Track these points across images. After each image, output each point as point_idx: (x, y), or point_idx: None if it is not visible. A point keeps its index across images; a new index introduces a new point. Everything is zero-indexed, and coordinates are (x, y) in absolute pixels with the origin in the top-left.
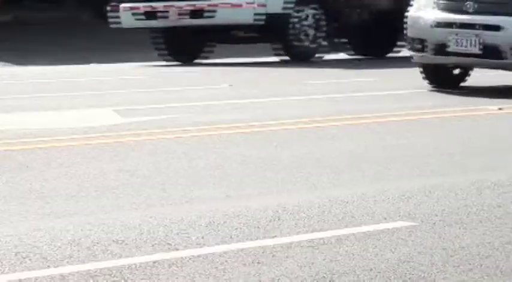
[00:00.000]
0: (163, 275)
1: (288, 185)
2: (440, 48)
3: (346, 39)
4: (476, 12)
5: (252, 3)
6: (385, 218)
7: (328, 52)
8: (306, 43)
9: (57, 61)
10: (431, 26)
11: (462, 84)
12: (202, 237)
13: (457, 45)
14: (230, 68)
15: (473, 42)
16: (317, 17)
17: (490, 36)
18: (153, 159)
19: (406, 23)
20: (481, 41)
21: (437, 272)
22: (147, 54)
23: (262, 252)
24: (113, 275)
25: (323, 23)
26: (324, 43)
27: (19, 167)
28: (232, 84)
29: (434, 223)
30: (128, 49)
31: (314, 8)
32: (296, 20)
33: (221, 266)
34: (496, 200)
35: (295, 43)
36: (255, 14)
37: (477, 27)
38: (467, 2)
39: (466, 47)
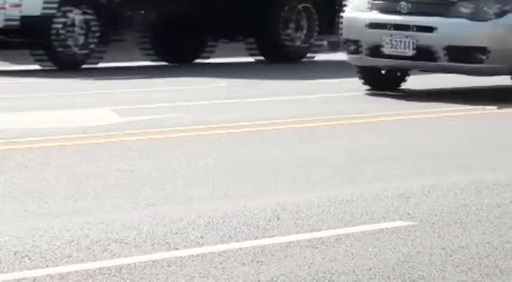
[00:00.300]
0: (162, 274)
1: (287, 184)
2: (375, 50)
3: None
4: (410, 13)
5: (3, 4)
6: (384, 218)
7: (100, 59)
8: (74, 49)
9: None
10: (366, 27)
11: (401, 86)
12: (202, 237)
13: (391, 47)
14: (225, 68)
15: (407, 44)
16: (87, 19)
17: (423, 38)
18: (152, 159)
19: (341, 23)
20: (415, 42)
21: (437, 272)
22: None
23: (261, 252)
24: (112, 275)
25: (95, 26)
26: (100, 48)
27: (18, 166)
28: (229, 84)
29: (434, 223)
30: (126, 48)
31: (83, 10)
32: (60, 23)
33: (220, 265)
34: (495, 199)
35: (60, 49)
36: (6, 15)
37: (411, 28)
38: (401, 3)
39: (400, 48)
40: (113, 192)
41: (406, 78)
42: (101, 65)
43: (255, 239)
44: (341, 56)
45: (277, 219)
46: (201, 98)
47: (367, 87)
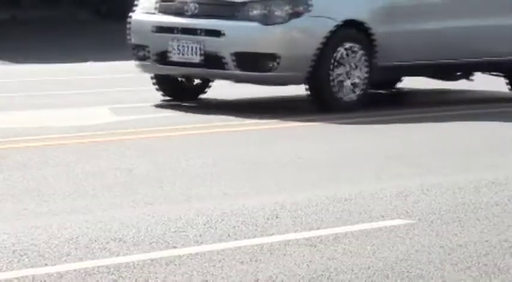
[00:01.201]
0: (161, 273)
1: (285, 183)
2: (162, 57)
3: None
4: (198, 15)
5: None
6: (383, 216)
7: None
8: None
9: (54, 59)
10: (153, 31)
11: (203, 95)
12: (200, 235)
13: (178, 54)
14: None
15: (194, 50)
16: None
17: (211, 43)
18: (150, 158)
19: (129, 27)
20: (203, 48)
21: (435, 270)
22: None
23: (260, 250)
24: (110, 273)
25: None
26: None
27: (16, 165)
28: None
29: (432, 221)
30: (126, 47)
31: None
32: None
33: (219, 263)
34: (493, 198)
35: None
36: None
37: (198, 32)
38: (189, 4)
39: (187, 55)
40: (111, 191)
41: (209, 86)
42: (100, 63)
43: (254, 237)
44: None
45: (276, 217)
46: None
47: (165, 97)
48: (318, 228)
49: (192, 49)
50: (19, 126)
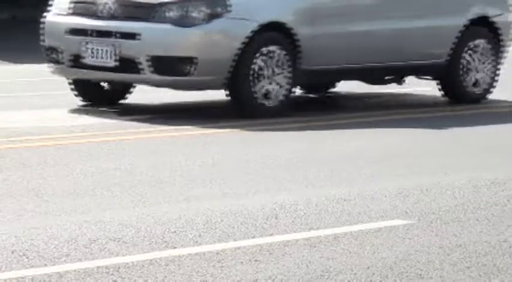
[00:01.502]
0: (160, 273)
1: (285, 183)
2: (76, 60)
3: None
4: (114, 17)
5: None
6: (382, 216)
7: None
8: None
9: None
10: (66, 33)
11: (125, 100)
12: (199, 236)
13: (92, 57)
14: None
15: (108, 53)
16: None
17: (126, 46)
18: (150, 158)
19: (43, 27)
20: (118, 51)
21: (435, 270)
22: None
23: (259, 251)
24: (110, 273)
25: None
26: None
27: (16, 165)
28: None
29: (431, 221)
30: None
31: None
32: None
33: (218, 264)
34: (492, 198)
35: None
36: None
37: (114, 35)
38: (104, 5)
39: (101, 58)
40: (110, 190)
41: (131, 90)
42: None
43: (253, 237)
44: None
45: (275, 218)
46: (198, 96)
47: (82, 102)
48: (318, 229)
49: (106, 52)
50: (19, 126)
